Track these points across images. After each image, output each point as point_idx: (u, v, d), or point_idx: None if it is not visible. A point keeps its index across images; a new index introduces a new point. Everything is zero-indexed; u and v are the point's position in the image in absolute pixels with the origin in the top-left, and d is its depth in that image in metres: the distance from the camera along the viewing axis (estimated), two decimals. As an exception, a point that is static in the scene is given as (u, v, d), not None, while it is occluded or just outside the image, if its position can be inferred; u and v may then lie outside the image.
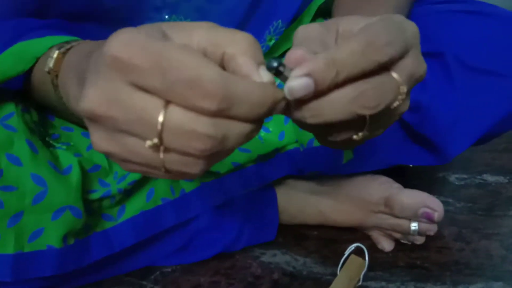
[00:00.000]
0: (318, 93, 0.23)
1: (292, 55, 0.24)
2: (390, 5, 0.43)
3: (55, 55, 0.34)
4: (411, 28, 0.26)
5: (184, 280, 0.53)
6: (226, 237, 0.54)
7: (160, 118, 0.21)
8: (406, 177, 0.54)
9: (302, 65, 0.23)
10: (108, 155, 0.24)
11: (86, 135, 0.48)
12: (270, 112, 0.23)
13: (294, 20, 0.56)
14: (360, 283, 0.49)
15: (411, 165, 0.67)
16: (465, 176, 0.71)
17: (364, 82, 0.24)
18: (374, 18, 0.26)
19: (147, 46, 0.21)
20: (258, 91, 0.22)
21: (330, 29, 0.28)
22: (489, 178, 0.70)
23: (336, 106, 0.24)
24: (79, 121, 0.38)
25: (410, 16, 0.50)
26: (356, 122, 0.26)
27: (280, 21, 0.51)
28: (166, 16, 0.48)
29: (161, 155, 0.23)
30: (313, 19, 0.57)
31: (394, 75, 0.25)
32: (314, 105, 0.24)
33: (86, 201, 0.44)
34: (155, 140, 0.22)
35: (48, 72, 0.34)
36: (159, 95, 0.21)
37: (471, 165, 0.73)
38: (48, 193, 0.40)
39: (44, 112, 0.47)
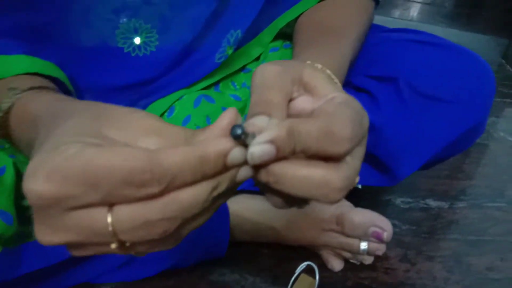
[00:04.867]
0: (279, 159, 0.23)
1: (255, 122, 0.24)
2: (349, 41, 0.44)
3: None
4: (367, 122, 0.27)
5: (125, 298, 0.49)
6: (173, 253, 0.51)
7: (109, 221, 0.21)
8: (354, 199, 0.55)
9: (265, 132, 0.23)
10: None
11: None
12: (220, 165, 0.22)
13: (254, 37, 0.56)
14: (310, 302, 0.48)
15: (359, 186, 0.69)
16: (409, 200, 0.74)
17: (322, 168, 0.24)
18: (339, 95, 0.26)
19: (70, 171, 0.20)
20: (192, 153, 0.21)
21: (293, 75, 0.27)
22: (432, 202, 0.73)
23: (298, 185, 0.24)
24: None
25: (366, 43, 0.52)
26: None
27: (239, 31, 0.51)
28: (125, 19, 0.46)
29: (132, 251, 0.23)
30: (274, 40, 0.58)
31: (349, 160, 0.25)
32: (278, 170, 0.24)
33: (20, 208, 0.40)
34: (115, 245, 0.22)
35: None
36: (99, 204, 0.21)
37: (415, 190, 0.76)
38: None
39: None
